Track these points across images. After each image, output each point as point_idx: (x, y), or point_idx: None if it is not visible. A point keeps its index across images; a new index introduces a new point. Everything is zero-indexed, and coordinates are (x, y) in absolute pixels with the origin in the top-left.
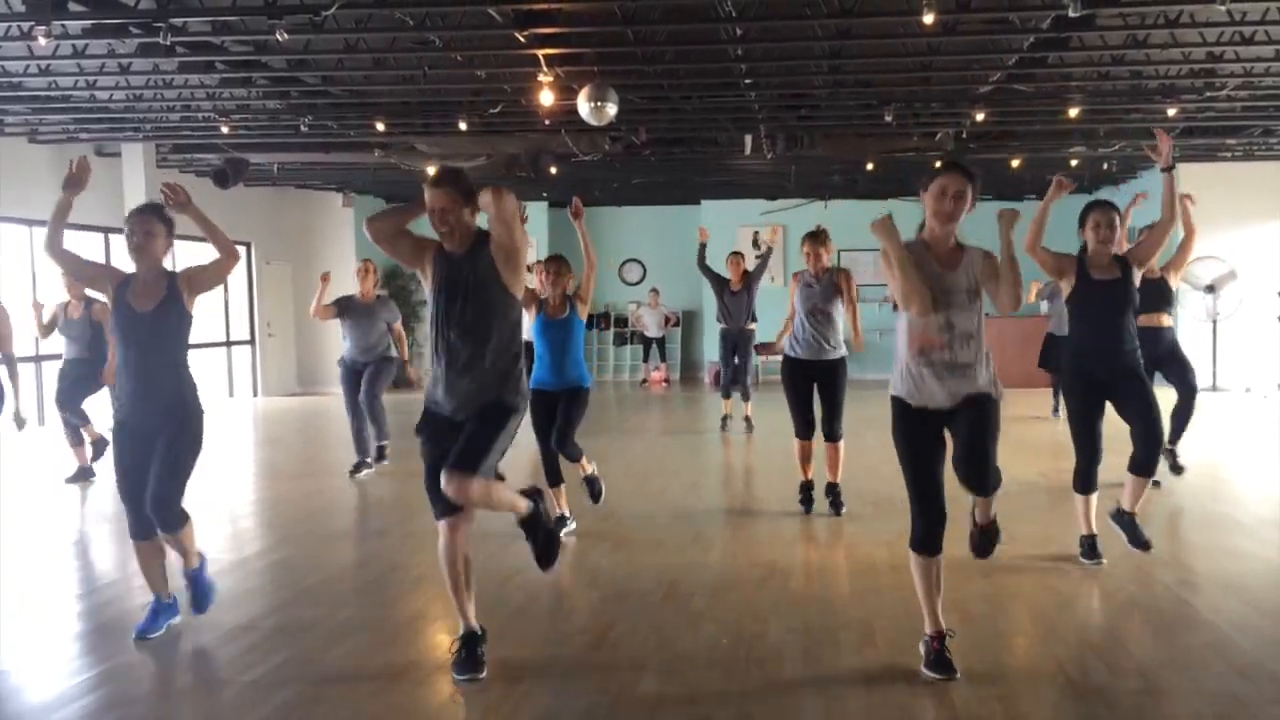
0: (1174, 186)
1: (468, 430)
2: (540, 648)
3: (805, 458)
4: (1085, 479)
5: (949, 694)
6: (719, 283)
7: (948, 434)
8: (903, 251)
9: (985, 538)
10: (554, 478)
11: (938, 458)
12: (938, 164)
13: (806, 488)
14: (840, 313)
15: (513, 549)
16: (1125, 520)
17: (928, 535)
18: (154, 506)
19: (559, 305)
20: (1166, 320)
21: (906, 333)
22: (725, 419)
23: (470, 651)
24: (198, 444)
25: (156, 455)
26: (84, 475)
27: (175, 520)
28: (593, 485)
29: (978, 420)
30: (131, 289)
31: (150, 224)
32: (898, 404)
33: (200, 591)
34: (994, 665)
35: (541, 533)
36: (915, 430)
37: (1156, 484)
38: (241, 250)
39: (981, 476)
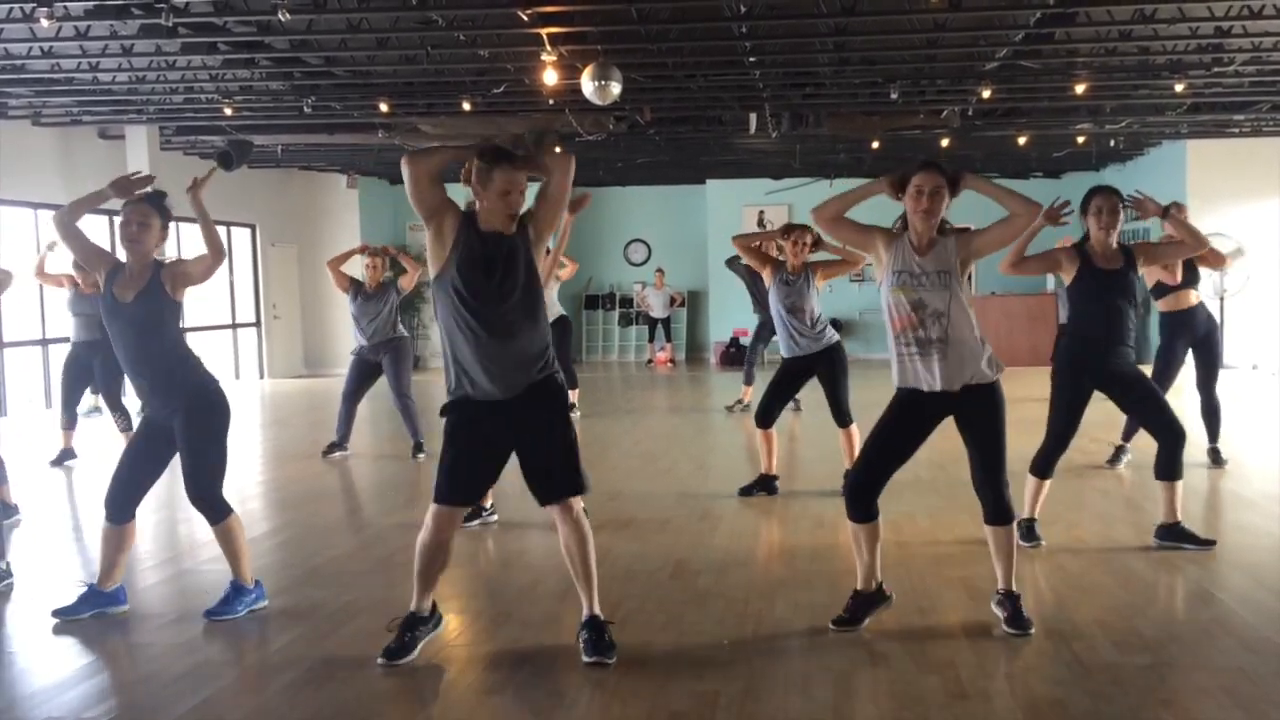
0: (1182, 220)
1: (545, 449)
2: (546, 626)
3: (768, 449)
4: (1046, 464)
5: (956, 670)
6: (749, 273)
7: (937, 430)
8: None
9: (1015, 605)
10: None
11: (907, 440)
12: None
13: (766, 479)
14: (818, 300)
15: (512, 532)
16: (1174, 532)
17: (854, 498)
18: (194, 502)
19: None
20: (1196, 298)
21: (891, 320)
22: (746, 405)
23: (412, 634)
24: (214, 427)
25: (180, 452)
26: (67, 456)
27: (216, 511)
28: (484, 513)
29: (988, 419)
30: (119, 279)
31: (147, 215)
32: (897, 392)
33: (228, 603)
34: (1002, 642)
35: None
36: (903, 410)
37: (1221, 463)
38: (245, 232)
39: (997, 483)
